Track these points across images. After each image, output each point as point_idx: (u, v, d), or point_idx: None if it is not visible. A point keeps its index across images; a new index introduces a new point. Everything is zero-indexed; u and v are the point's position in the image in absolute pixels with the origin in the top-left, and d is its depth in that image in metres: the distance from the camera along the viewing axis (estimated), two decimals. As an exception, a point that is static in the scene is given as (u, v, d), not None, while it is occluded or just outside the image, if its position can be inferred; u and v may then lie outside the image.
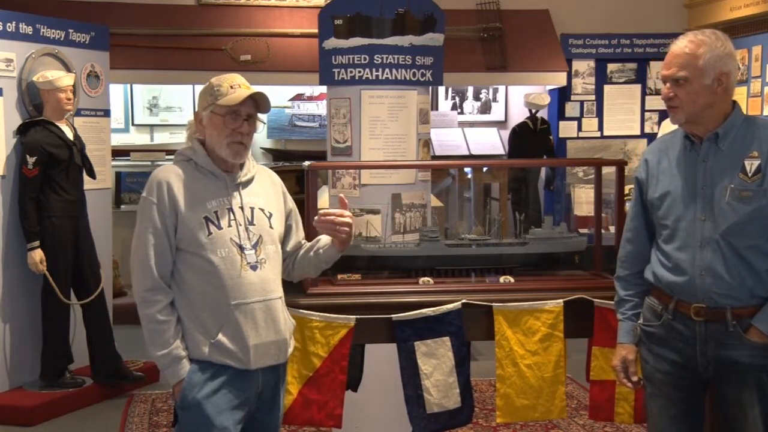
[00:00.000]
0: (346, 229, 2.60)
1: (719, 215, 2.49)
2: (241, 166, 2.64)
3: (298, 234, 2.81)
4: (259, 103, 2.60)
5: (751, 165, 2.48)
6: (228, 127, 2.54)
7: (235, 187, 2.59)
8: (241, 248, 2.52)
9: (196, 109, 2.67)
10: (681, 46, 2.53)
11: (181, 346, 2.50)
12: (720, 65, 2.49)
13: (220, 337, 2.49)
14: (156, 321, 2.49)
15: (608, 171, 3.57)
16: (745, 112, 2.61)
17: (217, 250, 2.50)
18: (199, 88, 2.70)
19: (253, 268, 2.53)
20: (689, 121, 2.55)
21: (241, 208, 2.57)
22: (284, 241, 2.75)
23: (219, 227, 2.51)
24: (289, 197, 2.77)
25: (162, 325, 2.49)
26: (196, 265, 2.51)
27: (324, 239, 2.72)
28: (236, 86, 2.56)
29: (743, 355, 2.49)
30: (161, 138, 8.42)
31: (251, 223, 2.57)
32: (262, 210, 2.62)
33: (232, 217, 2.54)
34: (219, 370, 2.51)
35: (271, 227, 2.62)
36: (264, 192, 2.67)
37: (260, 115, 2.62)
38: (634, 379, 2.73)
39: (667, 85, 2.54)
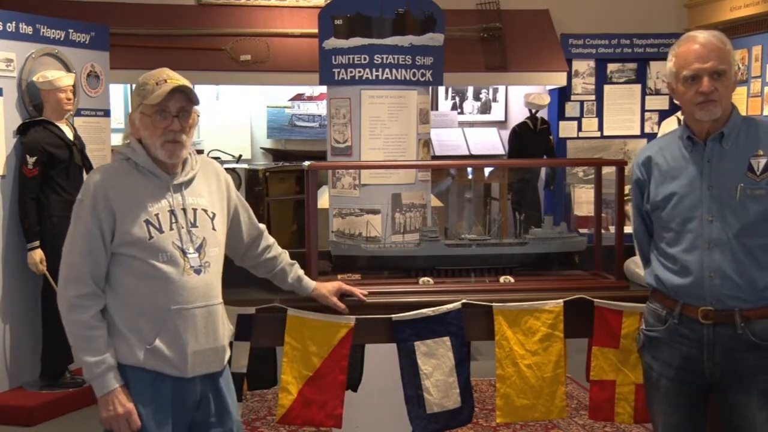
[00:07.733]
0: (342, 306, 2.90)
1: (730, 215, 2.46)
2: (184, 164, 2.50)
3: (252, 224, 2.72)
4: (189, 95, 2.43)
5: (758, 163, 2.47)
6: (158, 127, 2.40)
7: (176, 187, 2.47)
8: (183, 252, 2.41)
9: (130, 110, 2.52)
10: (709, 38, 2.49)
11: (111, 355, 2.39)
12: (735, 63, 2.53)
13: (157, 343, 2.38)
14: (90, 326, 2.38)
15: (608, 171, 3.56)
16: (745, 113, 2.61)
17: (159, 254, 2.39)
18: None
19: (197, 272, 2.42)
20: (723, 115, 2.51)
21: (183, 209, 2.45)
22: (237, 233, 2.68)
23: (160, 231, 2.40)
24: (233, 190, 2.66)
25: (96, 330, 2.38)
26: (136, 269, 2.40)
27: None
28: (162, 81, 2.40)
29: (751, 359, 2.47)
30: (161, 138, 8.42)
31: (194, 225, 2.46)
32: (205, 211, 2.50)
33: (173, 220, 2.42)
34: (154, 378, 2.41)
35: (214, 229, 2.51)
36: (208, 190, 2.54)
37: (196, 108, 2.47)
38: None
39: (706, 78, 2.47)
